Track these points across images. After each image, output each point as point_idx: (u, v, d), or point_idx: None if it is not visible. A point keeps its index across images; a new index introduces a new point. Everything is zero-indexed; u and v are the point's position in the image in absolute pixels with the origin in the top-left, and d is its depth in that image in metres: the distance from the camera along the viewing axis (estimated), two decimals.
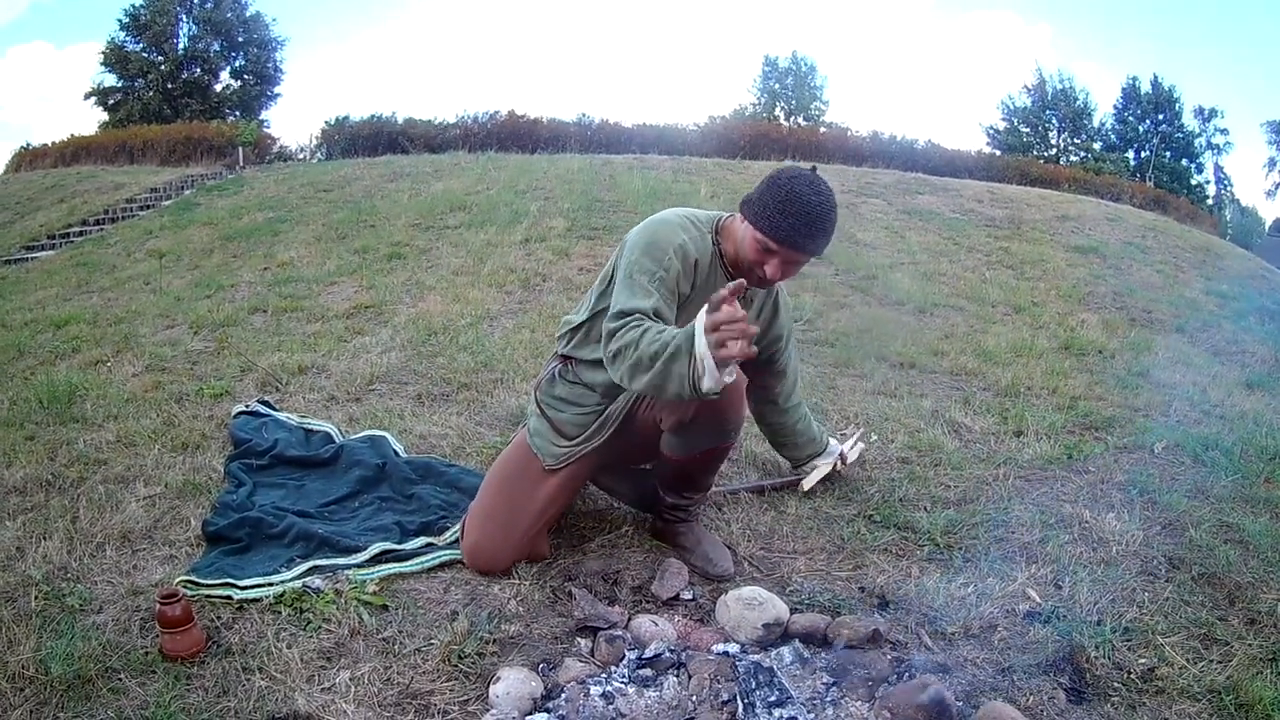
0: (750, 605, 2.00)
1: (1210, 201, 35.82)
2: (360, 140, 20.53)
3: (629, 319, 2.00)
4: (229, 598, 2.11)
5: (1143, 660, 1.94)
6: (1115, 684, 1.86)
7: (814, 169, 2.11)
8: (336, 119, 22.62)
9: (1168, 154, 36.87)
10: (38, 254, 10.37)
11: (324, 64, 78.46)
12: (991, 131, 39.32)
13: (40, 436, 3.35)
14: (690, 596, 2.22)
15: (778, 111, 40.42)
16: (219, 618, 2.04)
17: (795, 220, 2.02)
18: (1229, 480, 3.10)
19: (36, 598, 2.09)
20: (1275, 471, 3.19)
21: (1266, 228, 35.09)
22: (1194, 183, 36.75)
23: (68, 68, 62.50)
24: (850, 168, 15.46)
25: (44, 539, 2.41)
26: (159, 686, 1.77)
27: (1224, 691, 1.82)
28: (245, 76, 31.44)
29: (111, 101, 29.90)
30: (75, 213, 12.40)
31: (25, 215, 12.70)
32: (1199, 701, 1.81)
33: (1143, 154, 37.16)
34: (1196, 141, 37.72)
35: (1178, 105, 37.39)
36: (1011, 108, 39.22)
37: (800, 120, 38.49)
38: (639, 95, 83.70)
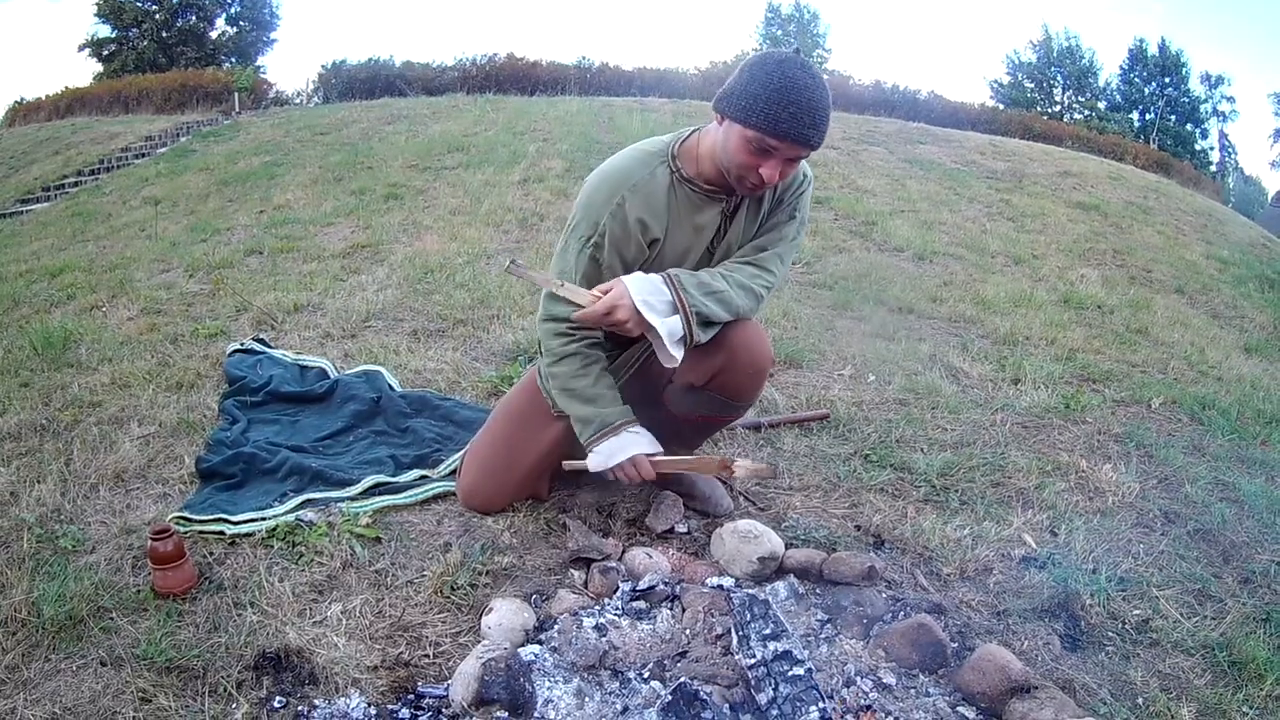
0: (746, 539, 1.99)
1: (1214, 168, 35.48)
2: (357, 84, 20.40)
3: (562, 327, 2.01)
4: (222, 533, 2.10)
5: (1137, 611, 1.94)
6: (1110, 633, 1.86)
7: (797, 50, 1.78)
8: (333, 63, 22.58)
9: (1173, 117, 36.46)
10: (33, 206, 10.19)
11: (321, 7, 77.25)
12: (995, 85, 38.92)
13: (35, 383, 3.32)
14: (685, 530, 2.21)
15: None
16: (211, 553, 2.04)
17: (796, 109, 1.71)
18: (1225, 440, 3.10)
19: (29, 541, 2.07)
20: (1272, 434, 3.20)
21: (1270, 198, 34.77)
22: (1198, 148, 36.41)
23: (62, 21, 61.53)
24: (852, 115, 15.33)
25: (37, 482, 2.39)
26: (150, 624, 1.77)
27: (1217, 647, 1.82)
28: (241, 23, 30.89)
29: (106, 52, 29.31)
30: (70, 164, 12.20)
31: (20, 169, 12.50)
32: (1193, 656, 1.81)
33: (1147, 116, 36.71)
34: (1202, 107, 37.29)
35: (1184, 70, 36.93)
36: (1016, 62, 38.77)
37: None
38: (640, 39, 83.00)
